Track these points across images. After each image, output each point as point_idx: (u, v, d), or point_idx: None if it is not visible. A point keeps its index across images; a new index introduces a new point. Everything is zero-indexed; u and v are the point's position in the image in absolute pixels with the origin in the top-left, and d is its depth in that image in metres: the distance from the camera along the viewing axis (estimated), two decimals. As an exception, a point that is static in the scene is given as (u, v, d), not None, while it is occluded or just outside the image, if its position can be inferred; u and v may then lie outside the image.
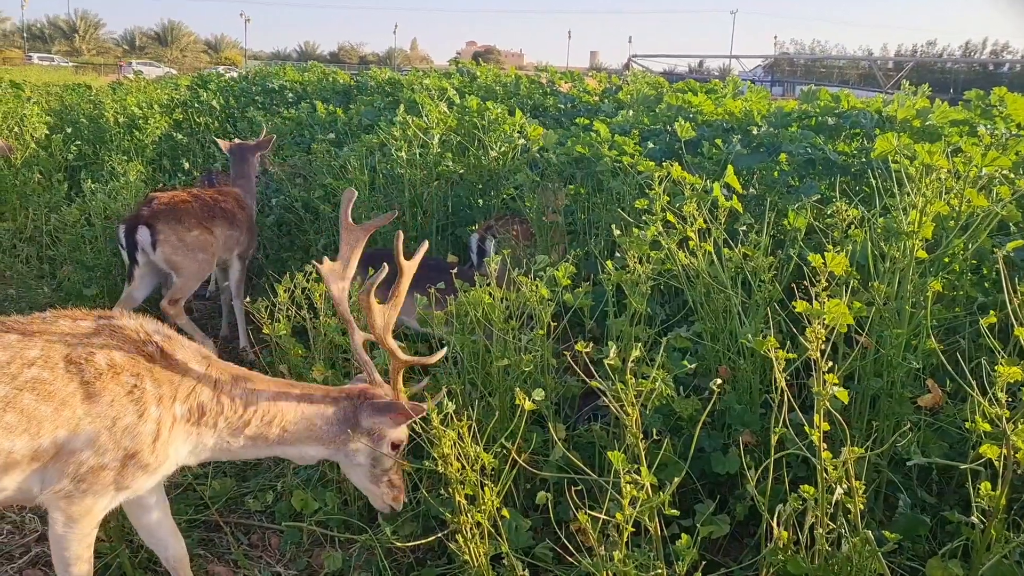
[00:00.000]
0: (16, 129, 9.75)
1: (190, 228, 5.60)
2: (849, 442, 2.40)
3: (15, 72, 29.54)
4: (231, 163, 6.74)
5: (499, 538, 2.75)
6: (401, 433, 3.07)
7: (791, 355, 2.53)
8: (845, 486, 2.37)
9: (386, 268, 2.90)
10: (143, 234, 5.43)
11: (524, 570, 2.74)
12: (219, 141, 7.03)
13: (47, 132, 9.82)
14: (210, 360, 2.92)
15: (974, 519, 2.45)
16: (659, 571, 2.45)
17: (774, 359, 2.45)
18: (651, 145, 5.33)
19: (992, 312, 2.92)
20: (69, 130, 10.53)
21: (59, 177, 8.43)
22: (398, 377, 3.06)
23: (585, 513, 2.40)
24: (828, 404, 2.38)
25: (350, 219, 3.16)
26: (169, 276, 5.61)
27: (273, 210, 7.28)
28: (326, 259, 3.17)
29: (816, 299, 2.48)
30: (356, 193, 3.20)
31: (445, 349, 3.15)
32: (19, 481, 2.57)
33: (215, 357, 2.97)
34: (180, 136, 10.54)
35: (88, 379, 2.58)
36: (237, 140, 7.08)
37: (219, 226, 5.86)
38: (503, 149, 6.35)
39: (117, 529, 3.48)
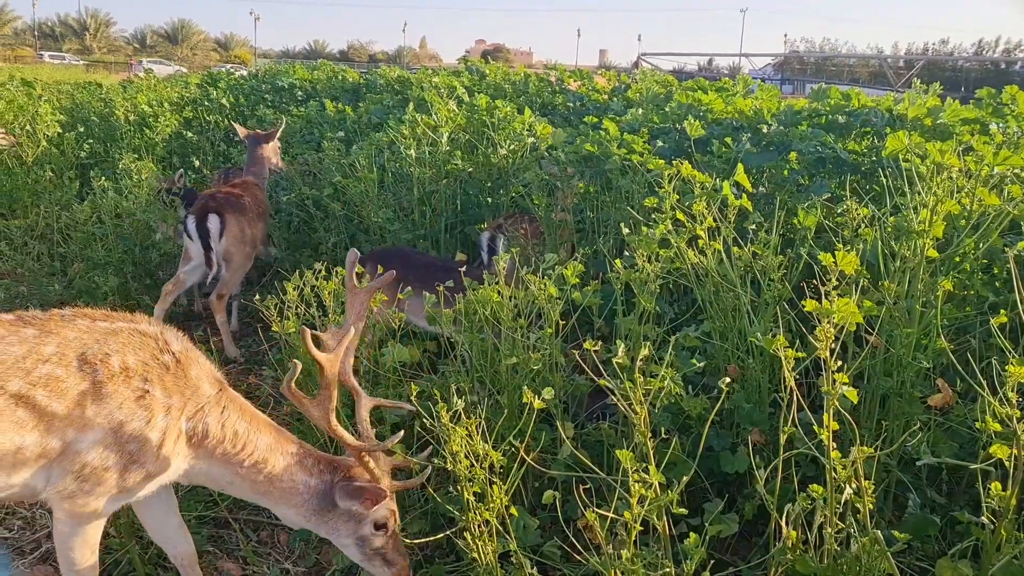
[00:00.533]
0: (28, 127, 9.79)
1: (251, 221, 6.03)
2: (858, 441, 2.40)
3: (27, 70, 29.62)
4: (247, 151, 7.14)
5: (507, 536, 2.75)
6: (380, 513, 2.96)
7: (800, 354, 2.53)
8: (854, 486, 2.37)
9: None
10: (214, 222, 5.75)
11: (532, 568, 2.74)
12: (236, 126, 7.53)
13: (59, 130, 9.86)
14: (222, 386, 2.92)
15: (984, 519, 2.44)
16: (667, 570, 2.45)
17: (783, 358, 2.44)
18: (660, 143, 5.32)
19: (1003, 312, 2.91)
20: (81, 128, 10.58)
21: (70, 175, 8.47)
22: (364, 460, 2.97)
23: (593, 511, 2.40)
24: (837, 403, 2.38)
25: (355, 282, 3.12)
26: (220, 268, 5.88)
27: (283, 208, 7.30)
28: (330, 328, 3.13)
29: (826, 298, 2.48)
30: (359, 254, 3.17)
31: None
32: (26, 477, 2.58)
33: (227, 384, 2.97)
34: (190, 134, 10.57)
35: (100, 380, 2.58)
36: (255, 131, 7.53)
37: (260, 220, 6.27)
38: (512, 147, 6.35)
39: (127, 526, 3.50)
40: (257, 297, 4.05)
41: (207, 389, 2.83)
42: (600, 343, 2.90)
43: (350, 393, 3.13)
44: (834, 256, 2.69)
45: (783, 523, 2.47)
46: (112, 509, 2.77)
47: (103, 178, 6.59)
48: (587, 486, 2.86)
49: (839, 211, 3.78)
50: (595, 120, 5.85)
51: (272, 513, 3.87)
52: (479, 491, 2.70)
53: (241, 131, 7.37)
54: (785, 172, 4.77)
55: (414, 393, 3.07)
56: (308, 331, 2.76)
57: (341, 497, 2.91)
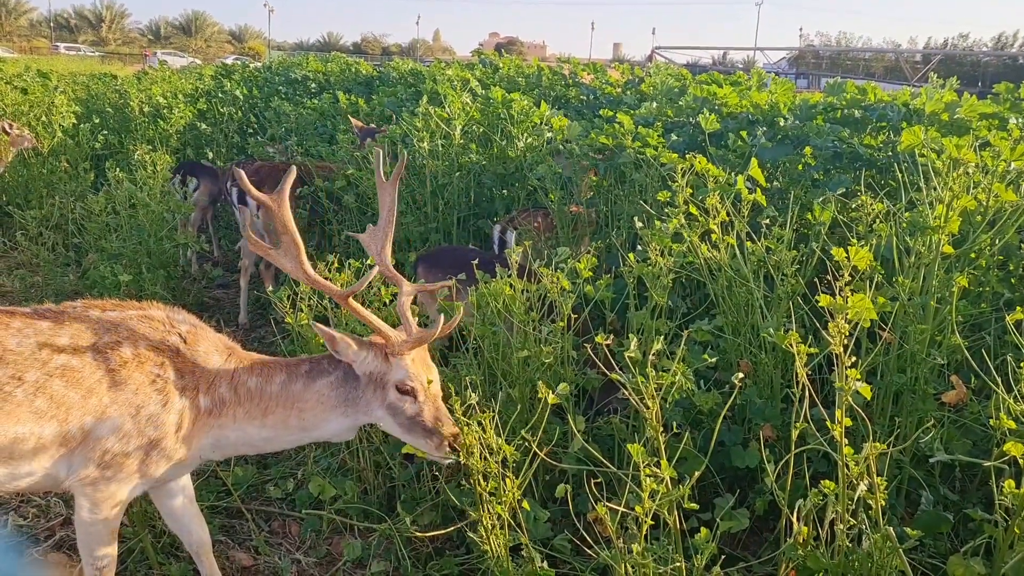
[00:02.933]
0: (44, 118, 9.84)
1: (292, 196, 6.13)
2: (871, 438, 2.39)
3: (42, 62, 29.79)
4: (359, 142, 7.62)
5: (518, 529, 2.76)
6: (399, 373, 2.86)
7: (813, 350, 2.52)
8: (866, 482, 2.36)
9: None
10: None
11: (543, 561, 2.75)
12: (351, 119, 8.20)
13: (74, 121, 9.91)
14: (232, 350, 2.94)
15: (997, 517, 2.43)
16: (678, 564, 2.45)
17: (796, 353, 2.43)
18: (674, 137, 5.31)
19: (1019, 308, 2.88)
20: (96, 119, 10.62)
21: (85, 166, 8.51)
22: (353, 306, 2.90)
23: (604, 505, 2.40)
24: (850, 399, 2.37)
25: (383, 177, 3.10)
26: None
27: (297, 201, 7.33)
28: (369, 226, 3.11)
29: (840, 293, 2.47)
30: (380, 152, 3.17)
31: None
32: (47, 466, 2.61)
33: (238, 347, 2.99)
34: (204, 126, 10.60)
35: (114, 367, 2.62)
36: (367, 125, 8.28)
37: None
38: (529, 141, 6.34)
39: (140, 514, 3.53)
40: (270, 289, 4.05)
41: (217, 360, 2.86)
42: (612, 337, 2.89)
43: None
44: (848, 251, 2.68)
45: (794, 519, 2.46)
46: (134, 495, 2.81)
47: (118, 169, 6.61)
48: (598, 480, 2.86)
49: (854, 206, 3.77)
50: (610, 113, 5.84)
51: (284, 503, 3.92)
52: (494, 487, 2.70)
53: (355, 123, 8.04)
54: (800, 167, 4.75)
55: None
56: (241, 172, 2.80)
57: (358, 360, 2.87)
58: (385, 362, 2.87)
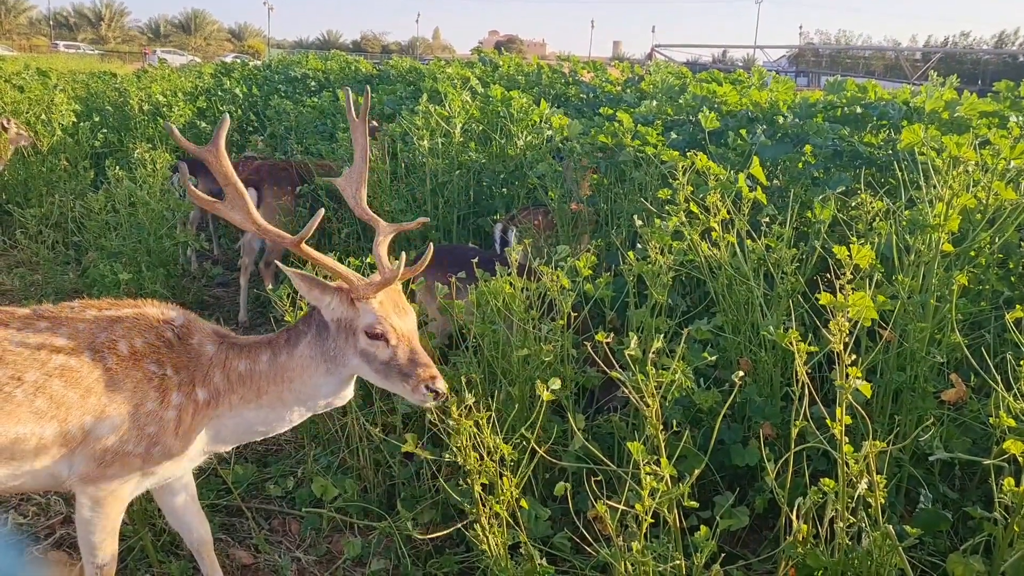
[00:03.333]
0: (44, 116, 9.83)
1: (284, 193, 6.45)
2: (871, 436, 2.39)
3: (42, 60, 29.80)
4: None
5: (517, 527, 2.76)
6: (367, 318, 2.77)
7: (813, 348, 2.52)
8: (866, 480, 2.36)
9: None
10: (251, 194, 6.17)
11: (542, 559, 2.75)
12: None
13: (74, 120, 9.91)
14: (224, 339, 2.93)
15: (996, 515, 2.43)
16: (677, 562, 2.45)
17: (796, 352, 2.43)
18: (674, 135, 5.31)
19: (1018, 307, 2.88)
20: (96, 118, 10.61)
21: (85, 164, 8.50)
22: (306, 251, 2.83)
23: (604, 503, 2.40)
24: (850, 398, 2.37)
25: (355, 115, 3.09)
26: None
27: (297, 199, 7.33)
28: (345, 169, 3.08)
29: (840, 292, 2.47)
30: (349, 91, 3.16)
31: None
32: (48, 466, 2.62)
33: (231, 334, 2.98)
34: (204, 124, 10.60)
35: (111, 366, 2.63)
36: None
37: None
38: (529, 139, 6.34)
39: (140, 513, 3.53)
40: (270, 287, 4.05)
41: (210, 350, 2.85)
42: (612, 335, 2.89)
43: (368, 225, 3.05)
44: (849, 249, 2.68)
45: (794, 517, 2.46)
46: (136, 493, 2.81)
47: (117, 168, 6.61)
48: (598, 478, 2.86)
49: (854, 204, 3.77)
50: (610, 112, 5.84)
51: (284, 501, 3.92)
52: (486, 483, 2.70)
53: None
54: (800, 165, 4.75)
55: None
56: (172, 126, 2.75)
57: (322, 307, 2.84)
58: (351, 308, 2.80)
